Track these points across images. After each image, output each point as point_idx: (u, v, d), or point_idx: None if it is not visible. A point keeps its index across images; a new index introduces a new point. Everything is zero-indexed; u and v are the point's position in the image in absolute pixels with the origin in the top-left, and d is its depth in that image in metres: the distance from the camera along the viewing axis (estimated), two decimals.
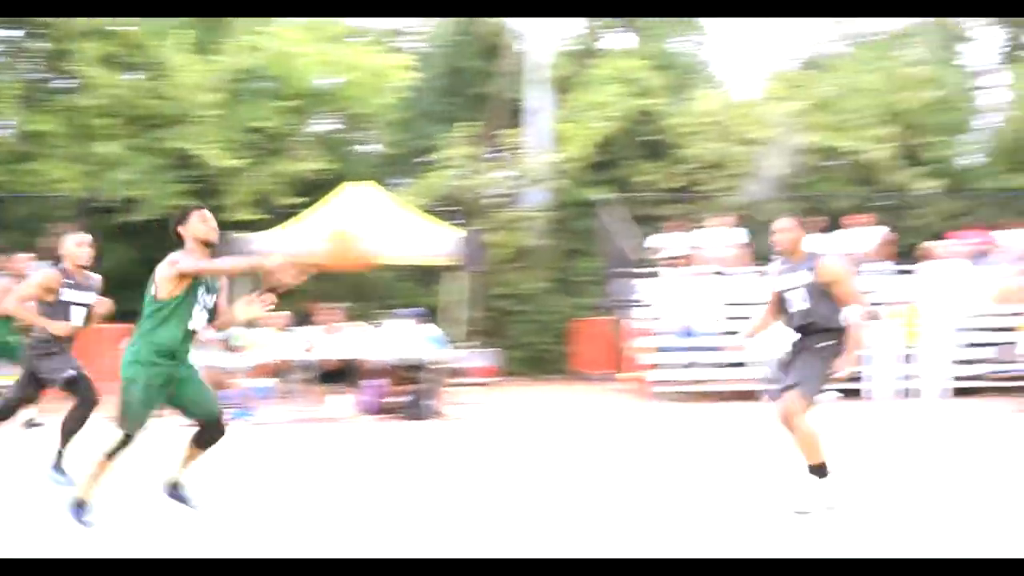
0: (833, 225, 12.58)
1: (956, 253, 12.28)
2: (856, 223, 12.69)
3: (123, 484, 4.64)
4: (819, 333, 4.88)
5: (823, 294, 4.85)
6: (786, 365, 5.05)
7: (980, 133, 16.77)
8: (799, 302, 4.91)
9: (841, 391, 9.49)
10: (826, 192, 15.44)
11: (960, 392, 10.68)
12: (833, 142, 15.36)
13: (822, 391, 4.93)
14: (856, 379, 10.03)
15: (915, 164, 15.38)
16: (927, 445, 7.19)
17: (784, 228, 5.07)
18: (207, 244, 4.41)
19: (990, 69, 17.22)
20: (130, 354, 4.31)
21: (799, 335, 4.98)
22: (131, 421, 4.24)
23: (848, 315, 4.89)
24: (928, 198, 15.17)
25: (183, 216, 4.46)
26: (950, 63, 16.72)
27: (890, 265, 12.47)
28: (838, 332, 4.86)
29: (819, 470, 4.71)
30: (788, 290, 4.97)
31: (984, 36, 17.18)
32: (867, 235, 12.65)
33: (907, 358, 10.89)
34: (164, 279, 4.25)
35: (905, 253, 12.66)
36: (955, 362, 10.95)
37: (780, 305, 5.08)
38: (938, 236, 13.09)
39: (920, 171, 15.24)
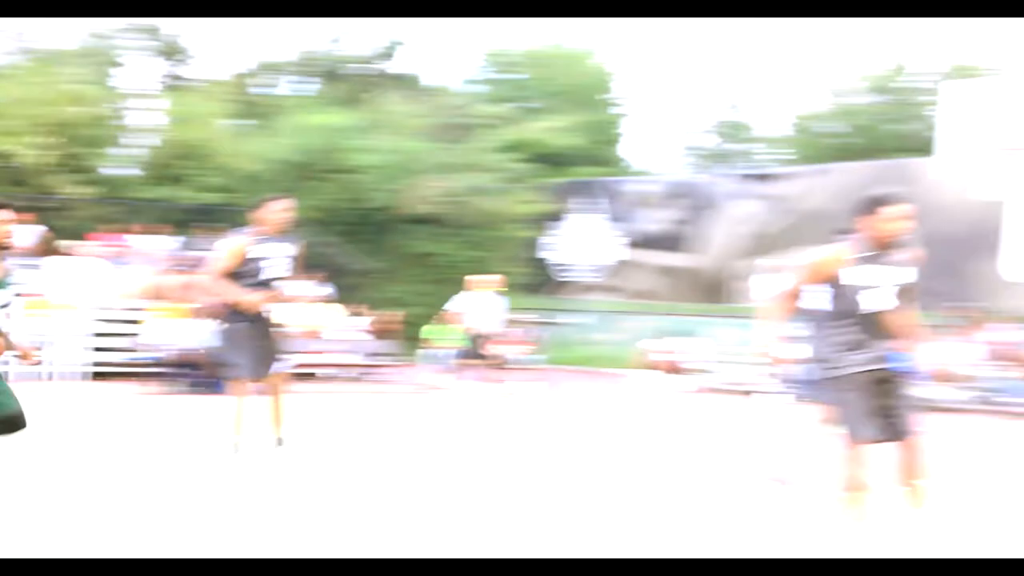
0: None
1: (97, 252, 13.92)
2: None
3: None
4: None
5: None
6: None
7: (134, 148, 18.90)
8: None
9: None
10: None
11: (97, 376, 12.12)
12: None
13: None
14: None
15: (73, 171, 16.73)
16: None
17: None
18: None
19: (146, 93, 19.65)
20: None
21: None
22: None
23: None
24: (80, 202, 16.66)
25: None
26: (106, 84, 18.71)
27: (43, 259, 13.58)
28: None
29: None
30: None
31: (142, 64, 19.72)
32: (25, 232, 13.56)
33: (48, 342, 11.82)
34: None
35: (56, 251, 13.90)
36: (90, 348, 12.39)
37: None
38: (85, 237, 14.65)
39: (76, 178, 16.63)
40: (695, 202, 18.25)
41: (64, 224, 15.81)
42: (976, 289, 15.13)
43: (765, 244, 16.54)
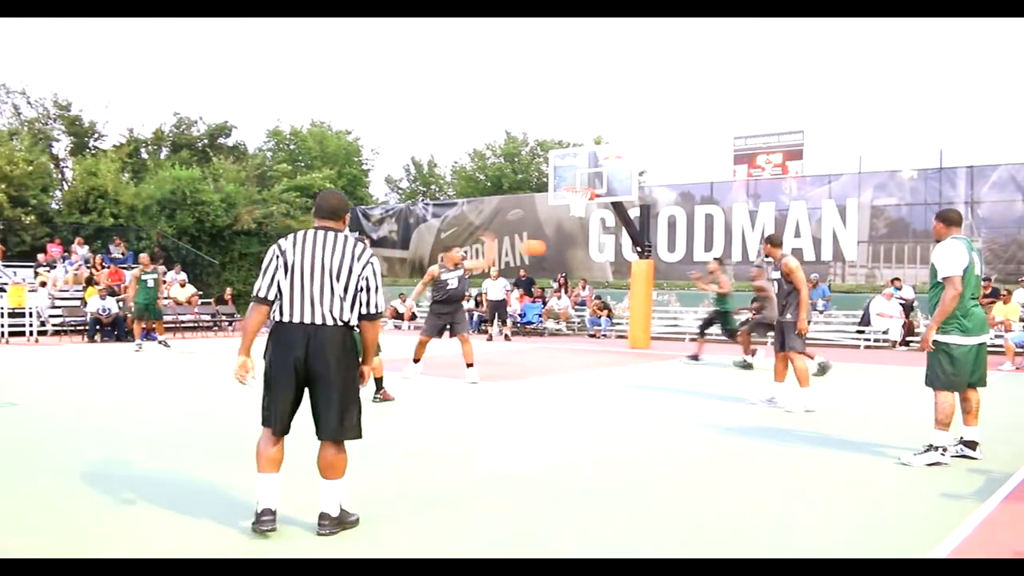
0: None
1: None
2: None
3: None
4: None
5: None
6: None
7: (62, 191, 28.42)
8: None
9: None
10: None
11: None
12: None
13: None
14: None
15: (23, 206, 26.01)
16: None
17: None
18: None
19: (68, 156, 29.21)
20: None
21: None
22: None
23: None
24: (28, 225, 26.08)
25: None
26: (45, 151, 27.99)
27: None
28: None
29: None
30: None
31: (65, 139, 29.25)
32: None
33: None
34: None
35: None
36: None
37: None
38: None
39: (25, 210, 26.06)
40: (402, 219, 30.98)
41: (16, 239, 25.60)
42: (574, 264, 25.36)
43: (444, 244, 27.85)
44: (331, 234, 4.35)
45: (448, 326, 11.30)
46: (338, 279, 4.26)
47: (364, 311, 4.34)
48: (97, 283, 21.73)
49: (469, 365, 11.32)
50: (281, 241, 4.39)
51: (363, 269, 4.31)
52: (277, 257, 4.33)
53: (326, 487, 4.34)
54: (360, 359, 4.44)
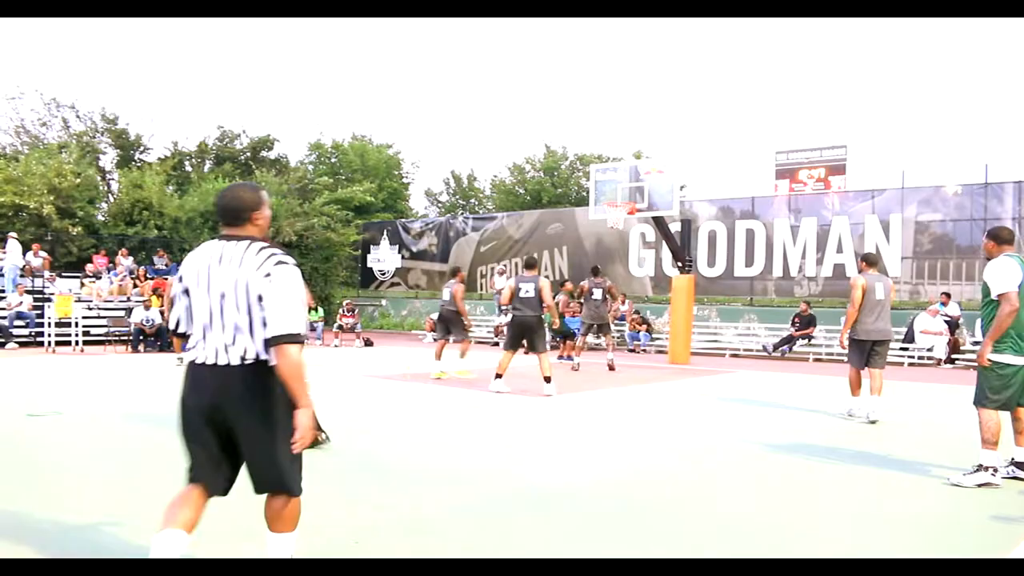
0: None
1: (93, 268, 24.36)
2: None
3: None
4: None
5: None
6: None
7: (108, 203, 28.99)
8: None
9: None
10: None
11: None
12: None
13: None
14: None
15: (70, 217, 26.38)
16: None
17: None
18: None
19: (114, 169, 29.81)
20: None
21: None
22: None
23: None
24: (76, 236, 26.41)
25: None
26: (91, 164, 28.63)
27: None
28: None
29: None
30: None
31: (111, 152, 29.89)
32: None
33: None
34: None
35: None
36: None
37: None
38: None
39: (72, 221, 26.45)
40: (442, 233, 31.06)
41: (63, 250, 26.04)
42: (614, 278, 24.27)
43: (483, 257, 28.66)
44: (230, 245, 3.37)
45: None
46: (237, 308, 3.31)
47: (266, 334, 3.27)
48: (163, 294, 21.96)
49: (499, 375, 12.00)
50: (185, 261, 3.52)
51: (259, 284, 3.27)
52: (178, 282, 3.50)
53: (272, 541, 3.52)
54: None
